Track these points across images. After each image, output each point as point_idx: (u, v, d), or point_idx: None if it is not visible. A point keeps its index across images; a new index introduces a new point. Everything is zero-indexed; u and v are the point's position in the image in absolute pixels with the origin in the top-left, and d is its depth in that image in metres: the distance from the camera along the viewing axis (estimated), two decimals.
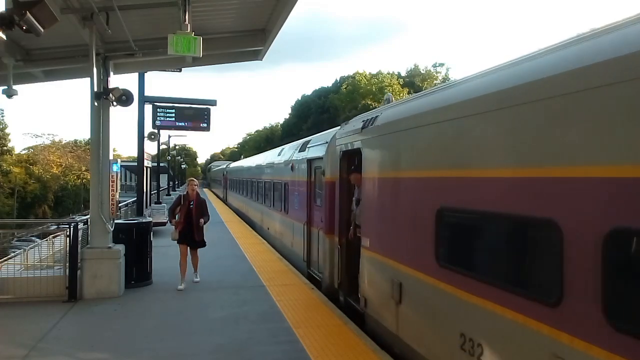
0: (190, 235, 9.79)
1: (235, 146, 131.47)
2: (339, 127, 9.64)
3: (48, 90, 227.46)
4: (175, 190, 48.25)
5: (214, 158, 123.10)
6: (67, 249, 8.84)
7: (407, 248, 5.74)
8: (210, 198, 46.81)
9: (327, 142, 9.54)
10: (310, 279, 10.43)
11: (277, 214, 15.21)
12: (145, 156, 19.62)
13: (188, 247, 9.94)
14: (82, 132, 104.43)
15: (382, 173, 6.64)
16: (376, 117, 6.97)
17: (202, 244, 10.09)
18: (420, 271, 5.33)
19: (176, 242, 9.93)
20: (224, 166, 48.13)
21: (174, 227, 9.95)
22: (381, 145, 6.69)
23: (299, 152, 12.15)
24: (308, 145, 11.44)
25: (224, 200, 40.44)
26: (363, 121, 7.47)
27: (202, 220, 9.82)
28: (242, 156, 61.26)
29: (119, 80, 14.90)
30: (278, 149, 17.33)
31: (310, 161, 10.87)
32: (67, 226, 9.10)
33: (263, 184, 18.59)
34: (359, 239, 7.55)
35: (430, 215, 5.07)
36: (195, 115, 17.70)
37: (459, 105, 4.78)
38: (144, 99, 17.22)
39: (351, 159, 8.20)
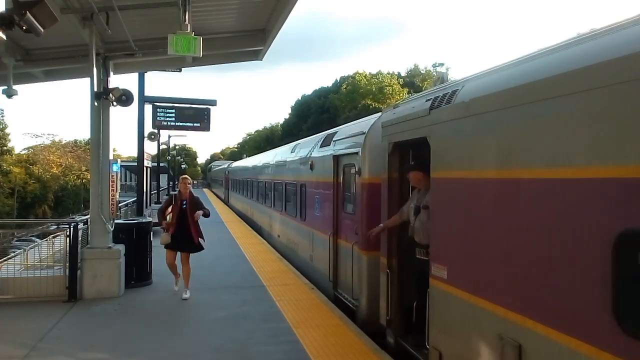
0: (186, 238, 8.78)
1: (235, 146, 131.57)
2: (378, 113, 7.94)
3: (48, 90, 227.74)
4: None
5: (214, 158, 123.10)
6: (67, 249, 8.83)
7: (537, 292, 3.60)
8: (210, 198, 46.80)
9: (364, 133, 7.66)
10: (338, 303, 8.41)
11: (291, 220, 13.07)
12: (145, 156, 19.65)
13: (178, 253, 9.00)
14: (82, 132, 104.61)
15: (475, 171, 4.42)
16: (454, 91, 4.89)
17: (200, 247, 9.05)
18: (574, 336, 3.21)
19: (165, 247, 8.94)
20: (226, 165, 46.51)
21: (163, 229, 8.96)
22: (473, 130, 4.49)
23: (321, 147, 10.14)
24: (334, 139, 9.37)
25: (226, 202, 38.89)
26: (429, 100, 5.40)
27: (198, 213, 8.71)
28: (244, 155, 60.86)
29: (119, 80, 14.96)
30: (290, 145, 15.11)
31: (337, 158, 8.92)
32: (67, 226, 9.09)
33: (272, 184, 16.45)
34: (420, 262, 5.74)
35: (599, 244, 3.06)
36: (195, 115, 17.70)
37: None
38: (144, 99, 17.24)
39: (405, 153, 6.44)
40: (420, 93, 6.52)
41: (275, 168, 16.23)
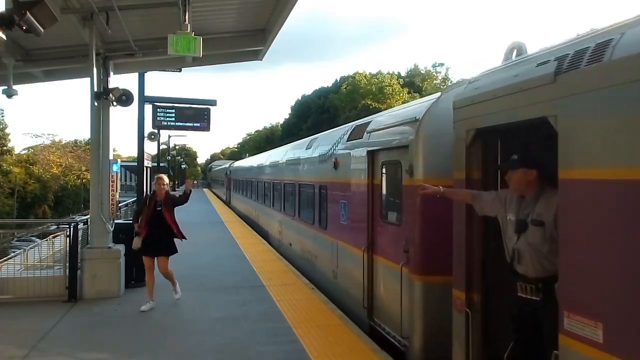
0: (162, 241, 8.11)
1: (235, 146, 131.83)
2: (434, 95, 6.38)
3: (48, 90, 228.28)
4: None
5: (214, 158, 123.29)
6: (67, 249, 8.83)
7: None
8: (210, 198, 46.80)
9: (416, 120, 5.90)
10: (375, 337, 6.76)
11: (306, 227, 11.31)
12: (145, 156, 19.65)
13: (155, 259, 8.27)
14: (82, 132, 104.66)
15: None
16: (607, 43, 3.25)
17: (174, 248, 8.30)
18: None
19: (140, 253, 8.26)
20: (227, 165, 44.94)
21: (136, 234, 8.21)
22: None
23: (349, 140, 8.47)
24: (368, 130, 7.63)
25: (227, 203, 37.14)
26: (544, 63, 3.79)
27: (188, 183, 8.26)
28: (246, 155, 60.58)
29: (119, 80, 14.93)
30: (304, 140, 13.42)
31: (373, 153, 7.25)
32: (67, 226, 9.10)
33: (281, 186, 14.76)
34: (523, 303, 3.96)
35: None
36: (195, 115, 17.66)
37: None
38: (144, 99, 17.21)
39: (490, 144, 4.69)
40: (518, 58, 4.57)
41: (285, 167, 14.59)
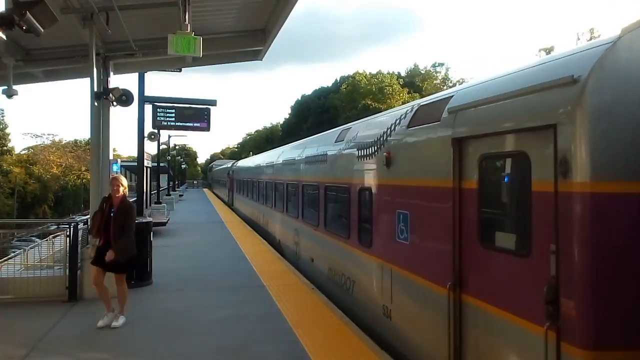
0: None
1: (235, 146, 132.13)
2: (606, 37, 3.75)
3: (48, 90, 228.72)
4: (175, 191, 48.28)
5: (214, 158, 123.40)
6: (67, 249, 8.83)
7: None
8: (211, 199, 46.80)
9: (574, 80, 3.56)
10: None
11: (337, 243, 8.97)
12: (145, 156, 19.65)
13: (104, 271, 7.14)
14: (82, 132, 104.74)
15: None
16: None
17: (124, 266, 7.19)
18: None
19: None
20: (229, 165, 43.28)
21: (95, 242, 7.21)
22: None
23: (411, 126, 6.13)
24: (452, 107, 5.23)
25: (230, 205, 35.00)
26: None
27: (109, 253, 6.82)
28: (250, 153, 60.33)
29: (119, 80, 14.96)
30: (333, 132, 10.67)
31: (462, 142, 4.96)
32: (67, 226, 9.10)
33: (299, 188, 12.38)
34: None
35: None
36: (195, 115, 17.67)
37: None
38: (144, 99, 17.22)
39: None
40: None
41: (304, 165, 12.09)
